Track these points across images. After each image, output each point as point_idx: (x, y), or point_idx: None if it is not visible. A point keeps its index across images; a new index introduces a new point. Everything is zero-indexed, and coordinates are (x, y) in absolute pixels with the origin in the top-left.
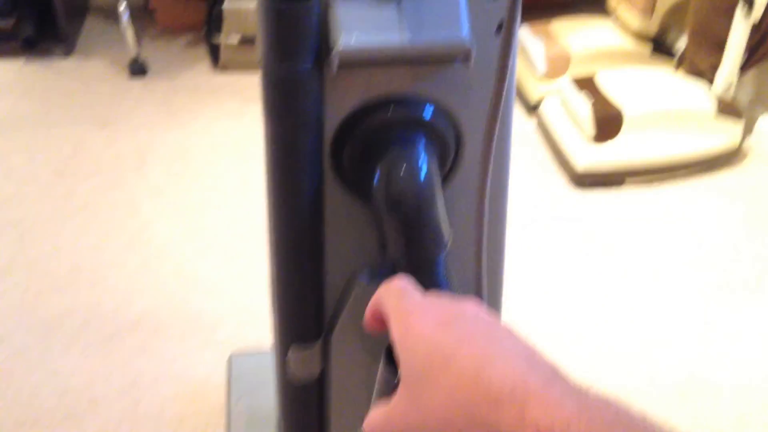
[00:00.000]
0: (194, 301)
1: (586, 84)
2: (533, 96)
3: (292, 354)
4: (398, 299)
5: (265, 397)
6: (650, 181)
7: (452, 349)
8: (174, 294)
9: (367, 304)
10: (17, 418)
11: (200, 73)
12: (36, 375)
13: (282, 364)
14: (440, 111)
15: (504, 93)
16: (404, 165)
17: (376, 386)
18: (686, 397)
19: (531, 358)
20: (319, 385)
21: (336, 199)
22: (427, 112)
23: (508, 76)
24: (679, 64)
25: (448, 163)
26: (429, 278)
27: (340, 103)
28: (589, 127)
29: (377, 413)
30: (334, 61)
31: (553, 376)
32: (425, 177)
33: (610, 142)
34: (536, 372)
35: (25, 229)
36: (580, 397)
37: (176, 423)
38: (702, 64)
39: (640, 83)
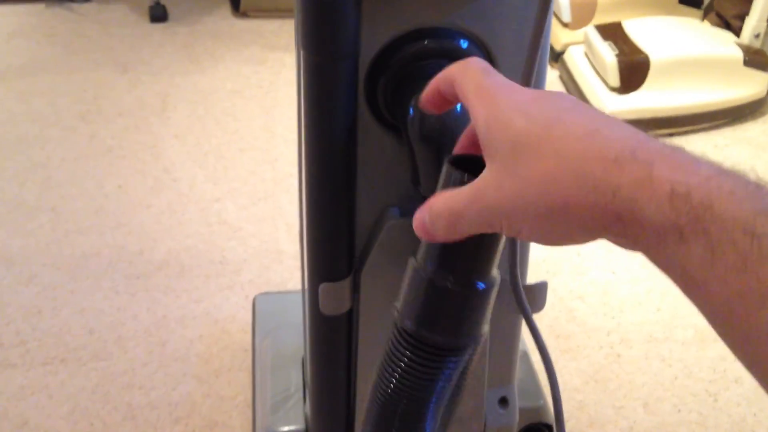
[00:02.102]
0: (218, 244)
1: (612, 31)
2: (557, 44)
3: (322, 290)
4: (483, 76)
5: (290, 335)
6: (674, 133)
7: (556, 116)
8: (198, 236)
9: (398, 240)
10: (46, 354)
11: (220, 19)
12: (64, 312)
13: (312, 299)
14: (474, 43)
15: (545, 26)
16: None
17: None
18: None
19: (644, 133)
20: (347, 320)
21: (368, 134)
22: (462, 44)
23: (550, 7)
24: (706, 13)
25: None
26: None
27: (376, 34)
28: (614, 77)
29: (449, 196)
30: None
31: (675, 147)
32: (460, 108)
33: (634, 92)
34: (656, 141)
35: (50, 170)
36: (712, 163)
37: (202, 362)
38: (729, 13)
39: (666, 31)
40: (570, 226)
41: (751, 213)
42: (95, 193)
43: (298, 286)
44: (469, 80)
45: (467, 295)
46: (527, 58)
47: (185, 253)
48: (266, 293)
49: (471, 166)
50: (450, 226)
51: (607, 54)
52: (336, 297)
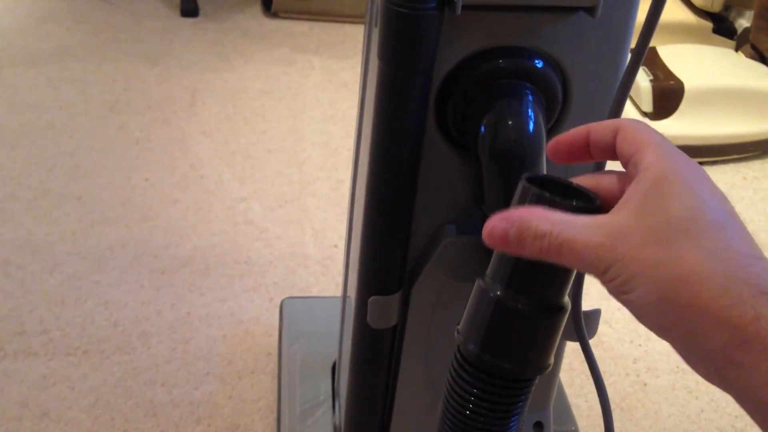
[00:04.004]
0: (244, 244)
1: (647, 56)
2: None
3: (371, 303)
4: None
5: (319, 342)
6: (703, 162)
7: (727, 218)
8: (224, 235)
9: (453, 258)
10: (69, 344)
11: (251, 18)
12: (88, 303)
13: (359, 311)
14: (551, 66)
15: (644, 53)
16: (514, 116)
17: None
18: None
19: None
20: (393, 335)
21: (432, 149)
22: (538, 65)
23: (652, 33)
24: (740, 44)
25: (553, 118)
26: None
27: (452, 50)
28: (648, 102)
29: (561, 220)
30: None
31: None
32: (533, 130)
33: (666, 119)
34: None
35: (78, 159)
36: None
37: (225, 363)
38: (764, 46)
39: (701, 60)
40: (685, 325)
41: None
42: (122, 184)
43: (324, 292)
44: (649, 132)
45: (538, 319)
46: (619, 87)
47: (210, 251)
48: (294, 297)
49: (546, 186)
50: (549, 249)
51: (642, 79)
52: (385, 311)
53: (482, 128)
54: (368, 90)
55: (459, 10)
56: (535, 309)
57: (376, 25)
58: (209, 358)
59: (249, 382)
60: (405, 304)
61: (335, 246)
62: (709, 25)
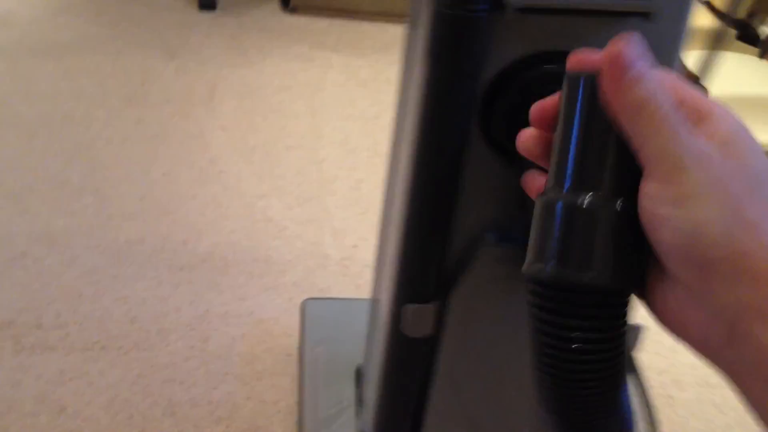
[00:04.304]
0: (263, 242)
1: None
2: None
3: (406, 311)
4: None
5: (343, 346)
6: None
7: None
8: (243, 232)
9: (492, 266)
10: (87, 339)
11: (269, 14)
12: (106, 298)
13: (393, 319)
14: None
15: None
16: None
17: None
18: None
19: None
20: (429, 343)
21: (475, 155)
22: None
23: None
24: (765, 51)
25: None
26: None
27: (502, 52)
28: None
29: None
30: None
31: None
32: None
33: None
34: None
35: (96, 151)
36: None
37: (245, 363)
38: None
39: (726, 66)
40: (722, 270)
41: None
42: (140, 178)
43: (343, 293)
44: (626, 91)
45: (609, 216)
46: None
47: (229, 248)
48: (316, 299)
49: None
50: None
51: None
52: (420, 319)
53: None
54: (410, 92)
55: (510, 13)
56: (605, 202)
57: (417, 27)
58: (228, 357)
59: (269, 383)
60: (441, 312)
61: (355, 246)
62: (733, 30)
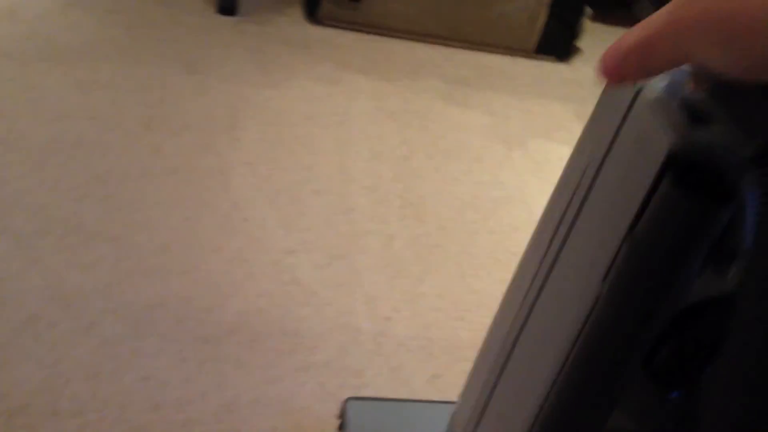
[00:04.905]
0: (292, 310)
1: None
2: None
3: None
4: None
5: None
6: None
7: None
8: (270, 298)
9: None
10: (107, 431)
11: (292, 23)
12: (126, 378)
13: None
14: None
15: None
16: None
17: None
18: None
19: None
20: None
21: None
22: None
23: None
24: None
25: None
26: None
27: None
28: None
29: (641, 25)
30: None
31: None
32: None
33: None
34: None
35: (111, 187)
36: None
37: None
38: None
39: None
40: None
41: None
42: (160, 224)
43: (378, 377)
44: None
45: None
46: None
47: (257, 317)
48: (360, 399)
49: None
50: (643, 59)
51: None
52: None
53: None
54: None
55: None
56: None
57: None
58: None
59: None
60: None
61: (388, 319)
62: None
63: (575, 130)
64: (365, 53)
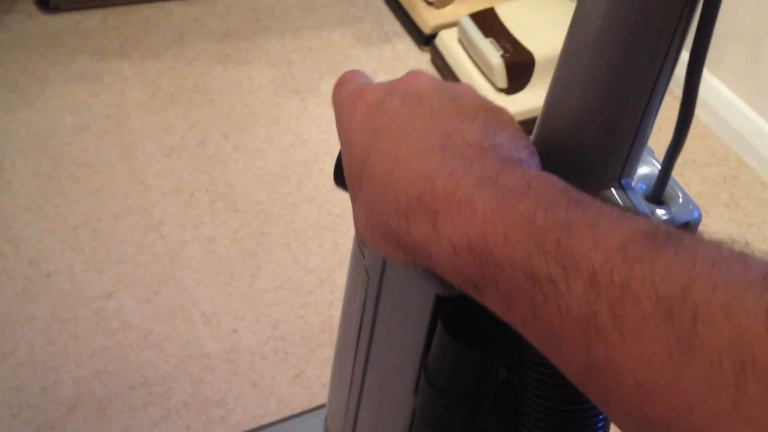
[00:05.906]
0: (131, 359)
1: (490, 24)
2: (426, 27)
3: None
4: (336, 92)
5: None
6: None
7: (368, 145)
8: (104, 354)
9: None
10: None
11: (26, 17)
12: None
13: None
14: None
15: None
16: None
17: None
18: None
19: (452, 136)
20: None
21: None
22: None
23: None
24: None
25: None
26: None
27: None
28: (502, 79)
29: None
30: None
31: (476, 154)
32: None
33: (520, 93)
34: (450, 161)
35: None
36: (488, 196)
37: None
38: None
39: (543, 20)
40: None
41: (526, 254)
42: None
43: (241, 399)
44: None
45: None
46: None
47: (97, 380)
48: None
49: None
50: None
51: (492, 55)
52: None
53: None
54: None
55: None
56: None
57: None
58: None
59: None
60: None
61: (234, 331)
62: None
63: (362, 57)
64: (119, 31)
